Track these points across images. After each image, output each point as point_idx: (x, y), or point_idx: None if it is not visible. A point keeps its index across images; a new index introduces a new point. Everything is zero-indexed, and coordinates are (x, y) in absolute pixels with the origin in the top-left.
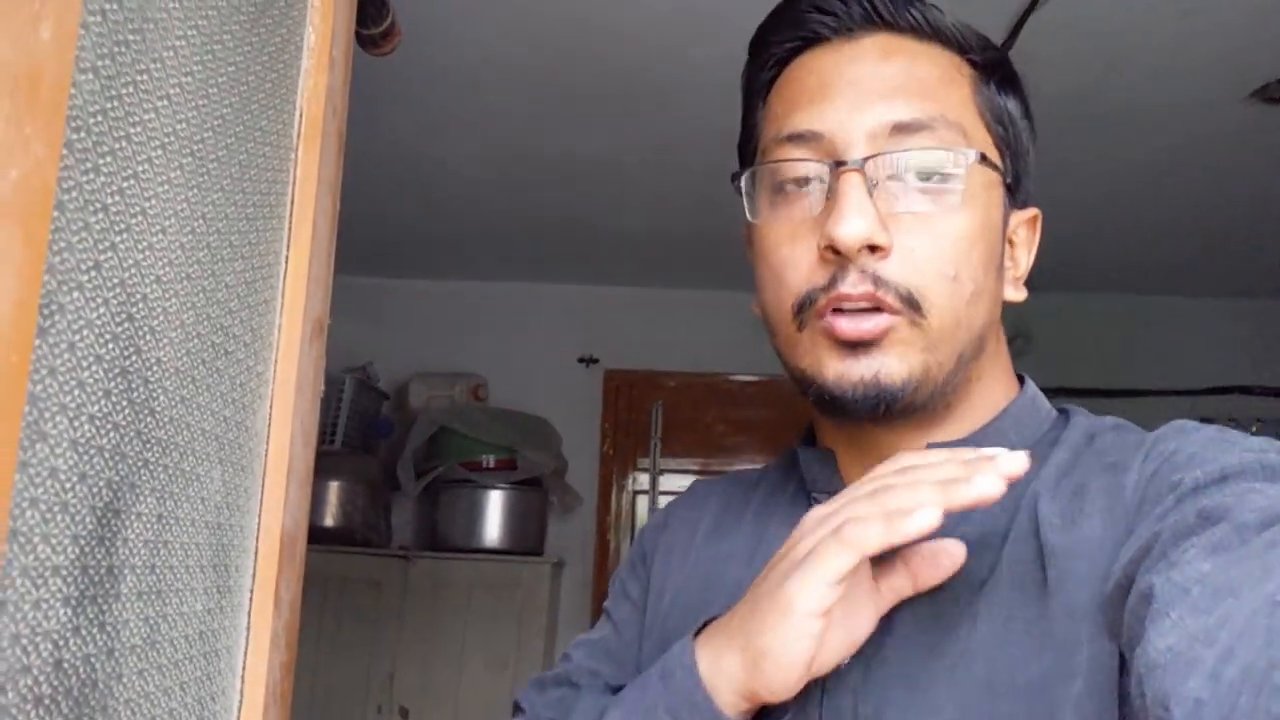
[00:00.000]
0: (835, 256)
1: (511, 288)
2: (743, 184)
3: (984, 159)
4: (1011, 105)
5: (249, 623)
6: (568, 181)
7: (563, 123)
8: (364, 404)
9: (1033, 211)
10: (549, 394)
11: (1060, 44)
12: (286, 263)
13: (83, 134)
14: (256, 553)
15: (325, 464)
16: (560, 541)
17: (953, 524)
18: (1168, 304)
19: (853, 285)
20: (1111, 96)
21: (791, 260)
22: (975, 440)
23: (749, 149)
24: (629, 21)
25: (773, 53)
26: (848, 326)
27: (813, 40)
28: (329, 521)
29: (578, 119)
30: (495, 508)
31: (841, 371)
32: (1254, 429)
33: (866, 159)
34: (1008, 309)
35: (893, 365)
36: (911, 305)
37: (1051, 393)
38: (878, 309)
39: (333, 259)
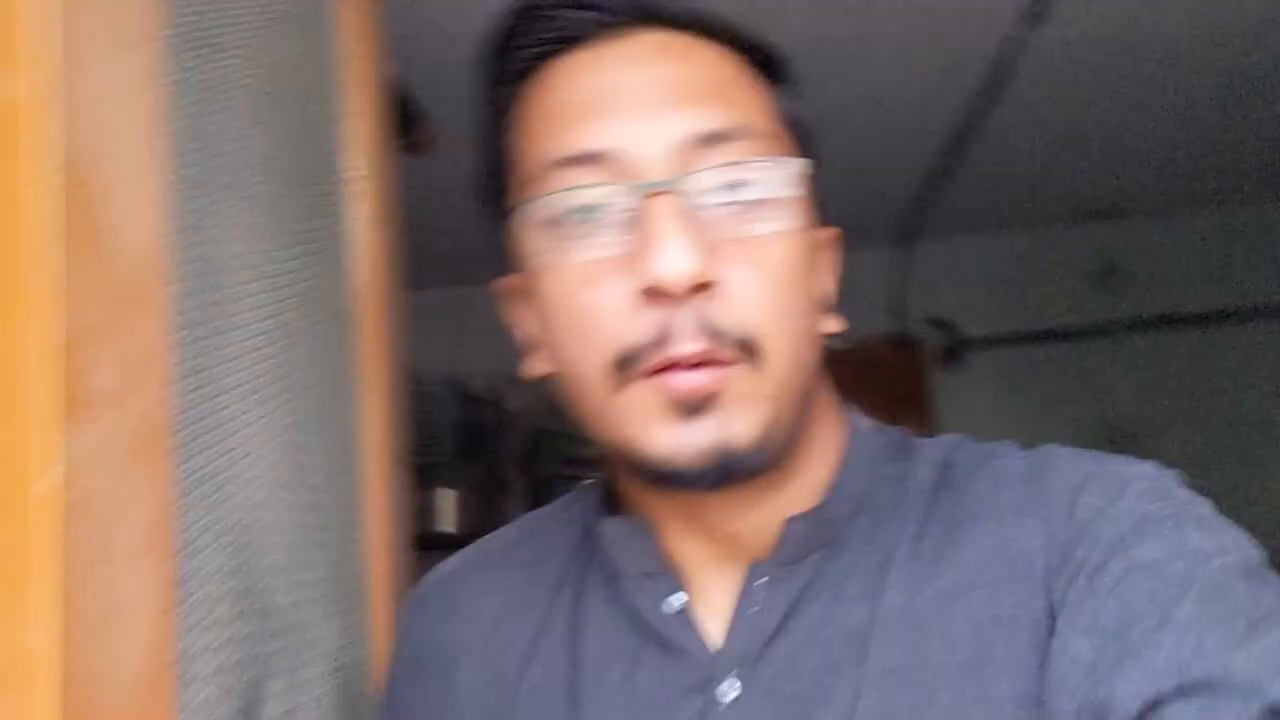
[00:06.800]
0: (658, 299)
1: None
2: (512, 222)
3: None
4: (802, 109)
5: None
6: None
7: None
8: (466, 412)
9: (833, 231)
10: None
11: None
12: (361, 411)
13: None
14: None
15: (438, 473)
16: None
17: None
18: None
19: (691, 340)
20: None
21: (596, 308)
22: (832, 509)
23: (503, 182)
24: None
25: (520, 60)
26: (684, 383)
27: (570, 42)
28: (449, 528)
29: None
30: None
31: (680, 439)
32: None
33: (677, 179)
34: (1096, 245)
35: (738, 426)
36: (748, 351)
37: (1154, 322)
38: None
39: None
